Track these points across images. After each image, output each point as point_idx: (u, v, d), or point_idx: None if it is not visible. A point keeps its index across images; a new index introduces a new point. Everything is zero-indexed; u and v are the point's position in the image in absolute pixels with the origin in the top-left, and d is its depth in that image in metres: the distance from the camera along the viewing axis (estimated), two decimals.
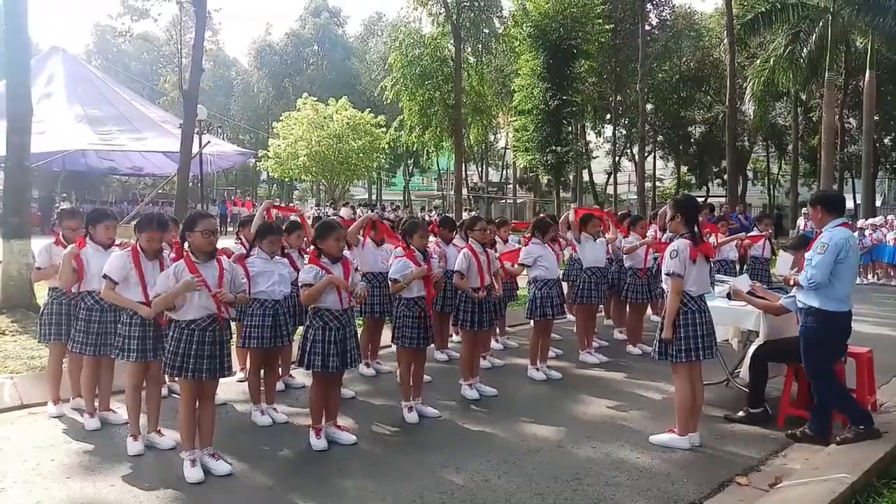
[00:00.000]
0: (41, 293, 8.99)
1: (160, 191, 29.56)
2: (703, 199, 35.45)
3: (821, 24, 25.66)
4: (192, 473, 4.71)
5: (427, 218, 30.68)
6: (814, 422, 5.61)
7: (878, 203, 37.59)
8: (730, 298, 6.64)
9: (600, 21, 30.21)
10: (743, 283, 6.72)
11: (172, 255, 5.17)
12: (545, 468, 5.05)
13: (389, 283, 6.17)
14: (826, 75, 26.07)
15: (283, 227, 6.82)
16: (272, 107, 53.38)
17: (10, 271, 10.04)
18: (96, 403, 5.82)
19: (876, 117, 27.71)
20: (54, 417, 6.01)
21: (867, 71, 26.40)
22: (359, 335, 6.10)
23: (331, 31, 56.29)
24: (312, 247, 5.44)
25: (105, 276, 5.15)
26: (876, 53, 26.40)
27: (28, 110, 10.77)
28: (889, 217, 19.15)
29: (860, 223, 19.29)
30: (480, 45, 33.67)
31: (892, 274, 17.75)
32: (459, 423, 6.07)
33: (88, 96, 29.60)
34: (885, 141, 39.03)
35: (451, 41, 30.78)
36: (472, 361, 6.99)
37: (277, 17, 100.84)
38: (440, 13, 31.72)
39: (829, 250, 5.28)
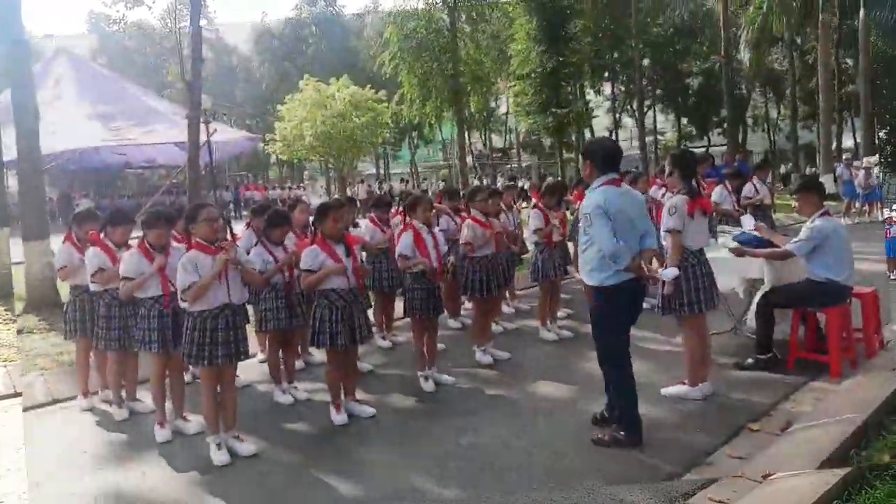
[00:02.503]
0: (65, 290, 9.20)
1: (173, 181, 29.67)
2: (703, 149, 35.34)
3: None
4: (219, 456, 4.87)
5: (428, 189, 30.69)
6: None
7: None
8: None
9: None
10: (747, 222, 6.83)
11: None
12: (561, 427, 5.16)
13: (398, 259, 6.25)
14: (820, 17, 25.85)
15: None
16: (276, 90, 53.10)
17: (33, 271, 10.29)
18: (123, 394, 6.00)
19: (872, 108, 27.46)
20: (85, 410, 6.20)
21: (861, 10, 26.16)
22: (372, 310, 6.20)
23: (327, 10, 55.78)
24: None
25: (124, 278, 5.26)
26: (872, 47, 26.21)
27: (34, 113, 10.88)
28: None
29: (856, 164, 19.24)
30: (475, 13, 33.44)
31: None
32: (475, 389, 6.20)
33: (96, 94, 29.93)
34: (881, 134, 38.65)
35: (445, 12, 30.62)
36: (484, 327, 7.12)
37: (274, 5, 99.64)
38: None
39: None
